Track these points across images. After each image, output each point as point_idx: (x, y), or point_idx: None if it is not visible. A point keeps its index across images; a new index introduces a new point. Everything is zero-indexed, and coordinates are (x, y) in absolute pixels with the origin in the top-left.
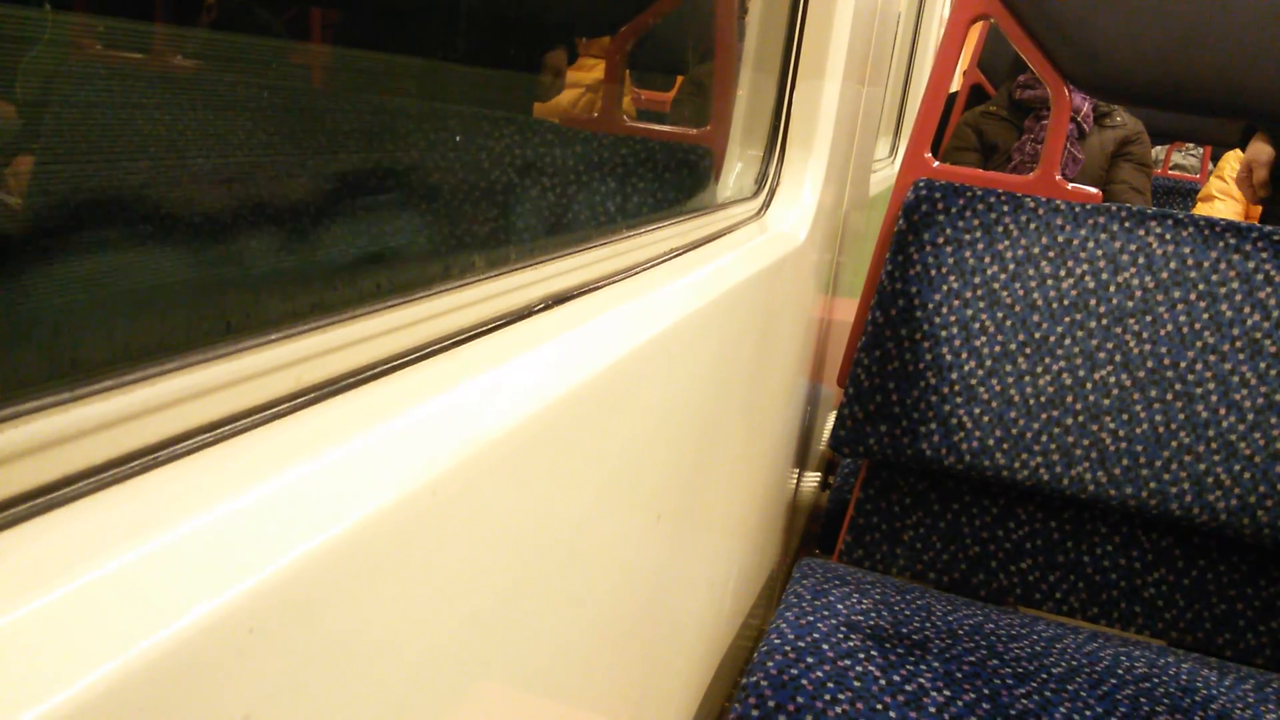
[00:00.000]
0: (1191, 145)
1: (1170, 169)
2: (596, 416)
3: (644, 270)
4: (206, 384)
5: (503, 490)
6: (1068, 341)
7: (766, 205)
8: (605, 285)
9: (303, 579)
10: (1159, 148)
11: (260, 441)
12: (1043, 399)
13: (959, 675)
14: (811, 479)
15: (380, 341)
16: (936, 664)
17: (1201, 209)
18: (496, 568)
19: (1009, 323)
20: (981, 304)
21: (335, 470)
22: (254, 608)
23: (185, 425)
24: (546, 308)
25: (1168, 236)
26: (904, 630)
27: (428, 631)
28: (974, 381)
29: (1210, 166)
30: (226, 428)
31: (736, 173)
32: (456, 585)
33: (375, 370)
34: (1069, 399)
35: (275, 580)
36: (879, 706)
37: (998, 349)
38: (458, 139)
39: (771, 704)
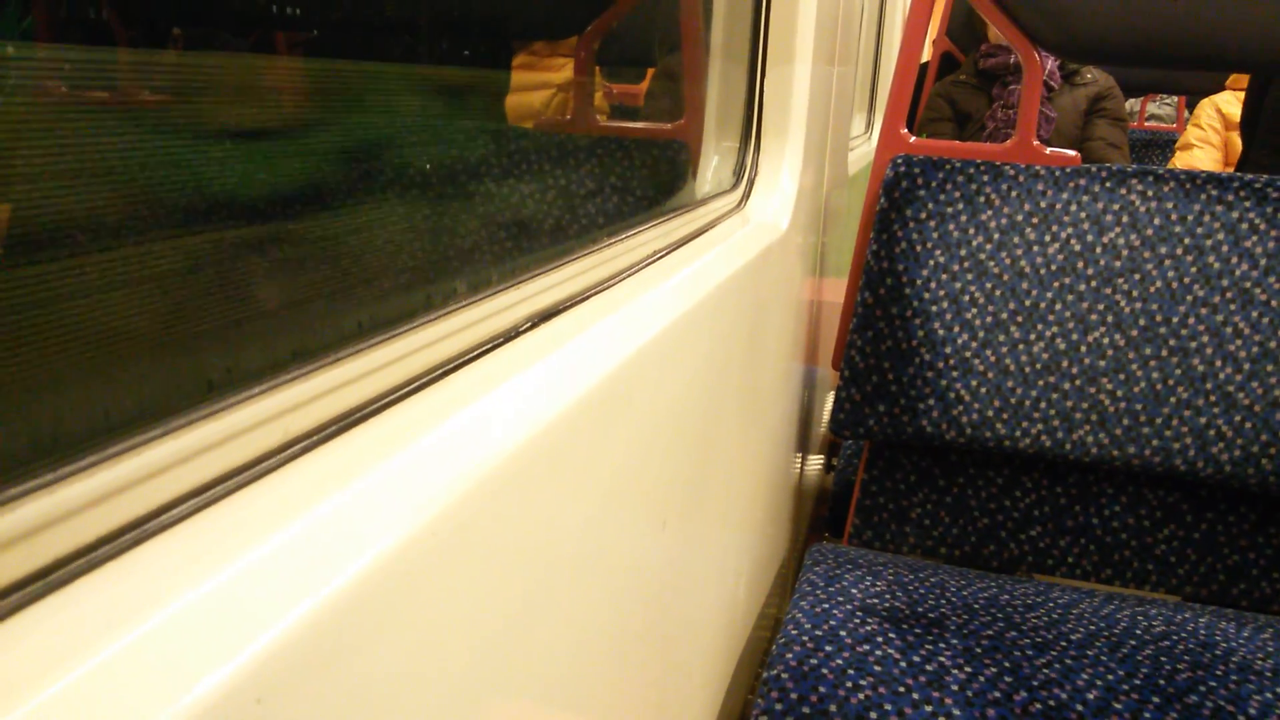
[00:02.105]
0: (1166, 95)
1: (1146, 120)
2: (593, 431)
3: (629, 276)
4: (194, 446)
5: (505, 518)
6: (1058, 306)
7: (747, 196)
8: (591, 296)
9: (307, 640)
10: (1134, 100)
11: (252, 500)
12: (1038, 366)
13: (978, 650)
14: (815, 463)
15: (367, 381)
16: (955, 641)
17: (1180, 159)
18: (505, 595)
19: (998, 292)
20: (969, 276)
21: (330, 521)
22: (260, 675)
23: (175, 492)
24: (533, 326)
25: (1150, 193)
26: (920, 609)
27: (442, 669)
28: (968, 354)
29: (1186, 115)
30: (218, 488)
31: (714, 166)
32: (467, 619)
33: (363, 412)
34: (1064, 363)
35: (279, 644)
36: (901, 689)
37: (989, 319)
38: (427, 165)
39: (794, 696)
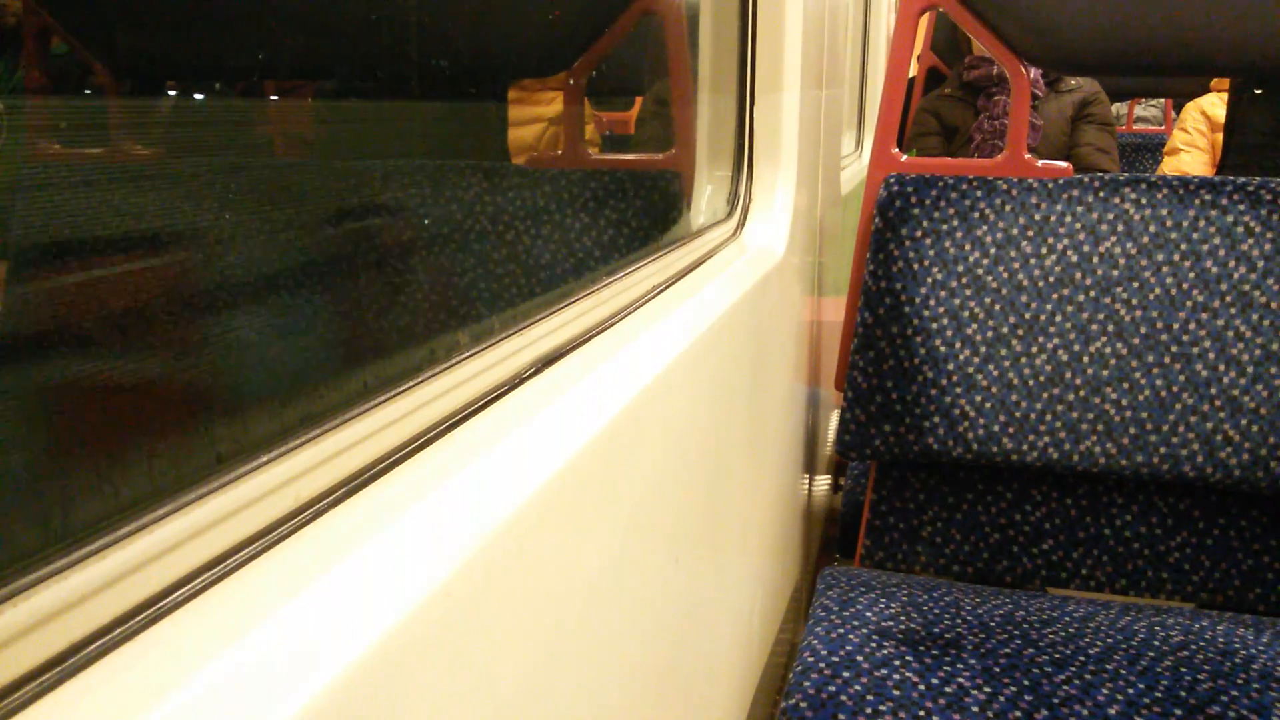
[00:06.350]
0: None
1: (1134, 123)
2: (602, 475)
3: (629, 314)
4: (208, 519)
5: (519, 570)
6: (1059, 318)
7: (742, 224)
8: (594, 336)
9: (331, 709)
10: (1120, 103)
11: (266, 569)
12: (1042, 378)
13: (997, 669)
14: (822, 483)
15: (376, 440)
16: (973, 660)
17: (1168, 163)
18: (522, 648)
19: (998, 307)
20: (968, 291)
21: (344, 586)
22: None
23: (188, 567)
24: (536, 372)
25: (1143, 201)
26: (936, 630)
27: None
28: (971, 369)
29: (1174, 116)
30: (231, 560)
31: (708, 195)
32: (486, 673)
33: (373, 471)
34: (1068, 375)
35: (304, 715)
36: (921, 713)
37: (990, 334)
38: (426, 221)
39: None
